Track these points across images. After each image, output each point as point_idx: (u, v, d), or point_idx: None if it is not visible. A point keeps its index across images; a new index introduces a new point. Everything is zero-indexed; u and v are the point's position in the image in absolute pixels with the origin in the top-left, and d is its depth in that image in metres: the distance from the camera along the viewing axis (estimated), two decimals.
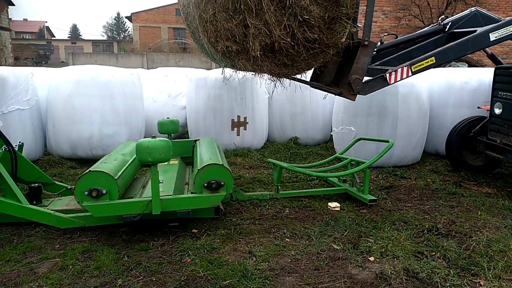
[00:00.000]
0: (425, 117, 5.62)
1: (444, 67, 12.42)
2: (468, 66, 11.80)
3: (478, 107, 5.19)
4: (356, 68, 3.31)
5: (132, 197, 3.45)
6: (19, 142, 3.86)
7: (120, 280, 2.69)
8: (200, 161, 3.46)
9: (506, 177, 5.06)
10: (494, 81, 4.67)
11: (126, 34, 71.29)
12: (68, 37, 70.73)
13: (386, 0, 15.52)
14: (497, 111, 4.56)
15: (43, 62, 29.40)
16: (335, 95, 3.51)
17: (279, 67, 3.16)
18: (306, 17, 2.93)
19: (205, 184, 3.19)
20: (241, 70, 3.41)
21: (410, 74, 3.47)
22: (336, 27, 3.07)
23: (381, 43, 4.41)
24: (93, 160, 5.54)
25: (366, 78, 3.55)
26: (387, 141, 4.29)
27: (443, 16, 4.66)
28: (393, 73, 3.44)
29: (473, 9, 4.53)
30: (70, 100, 5.37)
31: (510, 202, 4.16)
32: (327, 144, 6.71)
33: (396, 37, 4.68)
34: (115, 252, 3.05)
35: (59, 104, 5.44)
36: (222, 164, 3.25)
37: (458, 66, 12.67)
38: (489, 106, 4.74)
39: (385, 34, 4.98)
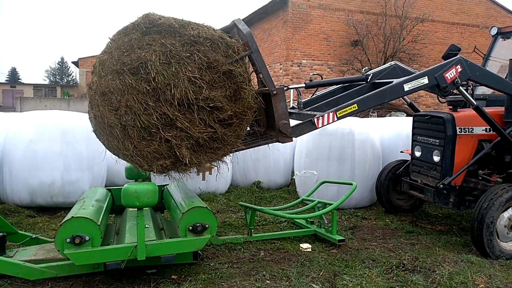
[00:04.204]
0: (379, 162, 6.09)
1: (384, 116, 13.55)
2: (406, 116, 12.95)
3: (401, 152, 5.68)
4: (279, 115, 3.51)
5: (108, 244, 3.36)
6: None
7: None
8: (181, 205, 3.49)
9: (455, 215, 5.56)
10: (413, 127, 5.21)
11: (70, 79, 69.41)
12: (6, 80, 67.44)
13: (331, 55, 16.84)
14: (417, 153, 5.08)
15: None
16: (276, 142, 3.72)
17: (214, 154, 3.21)
18: (211, 105, 3.03)
19: (190, 228, 3.21)
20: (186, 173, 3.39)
21: (335, 119, 3.76)
22: (241, 95, 3.16)
23: (311, 80, 4.79)
24: (53, 208, 5.32)
25: (296, 122, 3.83)
26: (351, 184, 4.61)
27: (366, 68, 5.21)
28: (321, 118, 3.72)
29: (392, 62, 5.12)
30: (31, 146, 5.17)
31: (461, 238, 4.58)
32: (289, 187, 6.95)
33: (322, 78, 5.10)
34: None
35: (18, 150, 5.21)
36: (206, 207, 3.31)
37: (397, 116, 13.92)
38: (411, 150, 5.24)
39: (314, 73, 5.36)
